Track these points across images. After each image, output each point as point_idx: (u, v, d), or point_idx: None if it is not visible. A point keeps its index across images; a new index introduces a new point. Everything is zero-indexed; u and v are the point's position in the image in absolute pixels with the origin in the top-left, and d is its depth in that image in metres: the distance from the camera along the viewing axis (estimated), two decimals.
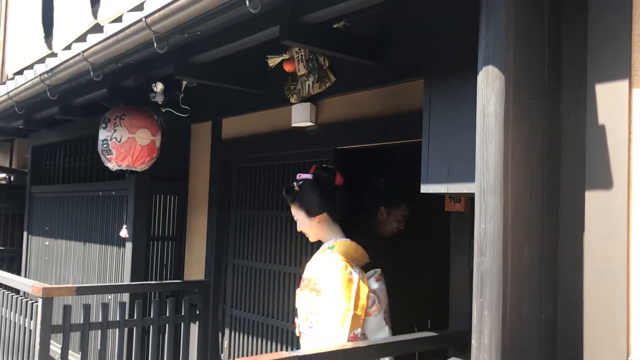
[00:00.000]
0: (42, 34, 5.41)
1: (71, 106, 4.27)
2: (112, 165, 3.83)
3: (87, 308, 3.41)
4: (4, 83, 4.59)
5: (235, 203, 4.12)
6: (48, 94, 3.59)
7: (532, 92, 1.67)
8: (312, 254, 3.49)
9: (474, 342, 1.60)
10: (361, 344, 2.19)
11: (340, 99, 3.23)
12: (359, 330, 2.27)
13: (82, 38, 4.21)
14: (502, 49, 1.58)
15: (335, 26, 2.83)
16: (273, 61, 3.39)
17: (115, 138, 3.68)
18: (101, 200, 4.77)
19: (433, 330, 2.61)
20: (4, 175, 7.79)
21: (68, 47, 3.77)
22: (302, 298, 2.43)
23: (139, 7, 2.87)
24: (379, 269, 2.51)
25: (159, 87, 3.71)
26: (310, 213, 2.49)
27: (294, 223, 3.61)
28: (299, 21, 2.48)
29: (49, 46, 5.21)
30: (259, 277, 3.86)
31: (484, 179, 1.59)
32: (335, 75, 3.12)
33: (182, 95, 3.97)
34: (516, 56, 1.61)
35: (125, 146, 3.68)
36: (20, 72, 4.24)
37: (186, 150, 4.53)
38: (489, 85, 1.59)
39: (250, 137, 3.96)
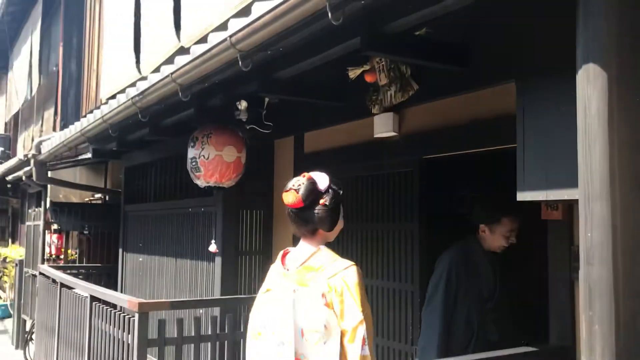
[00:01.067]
0: (134, 59, 5.67)
1: (160, 127, 4.43)
2: (201, 182, 3.95)
3: (180, 322, 3.50)
4: (98, 107, 4.84)
5: None
6: (139, 115, 3.75)
7: (638, 90, 1.56)
8: (399, 266, 3.43)
9: (583, 358, 1.49)
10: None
11: (424, 107, 3.17)
12: None
13: (169, 60, 4.38)
14: (603, 46, 1.48)
15: (416, 33, 2.78)
16: (354, 73, 3.37)
17: (203, 156, 3.79)
18: (191, 217, 4.91)
19: (531, 345, 2.49)
20: (99, 195, 8.22)
21: (157, 70, 3.92)
22: None
23: (222, 27, 2.94)
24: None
25: (243, 105, 3.80)
26: None
27: (380, 236, 3.60)
28: (380, 31, 2.45)
29: (139, 70, 5.46)
30: None
31: (589, 185, 1.49)
32: (418, 83, 3.06)
33: (265, 111, 4.03)
34: (619, 53, 1.50)
35: (212, 163, 3.79)
36: (114, 97, 4.45)
37: (270, 166, 4.59)
38: (590, 85, 1.50)
39: (332, 149, 3.97)
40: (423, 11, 2.23)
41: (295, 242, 4.18)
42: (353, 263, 2.17)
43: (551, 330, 2.50)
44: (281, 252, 2.34)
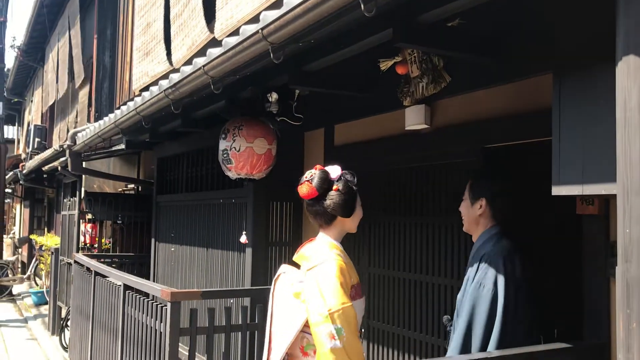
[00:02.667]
0: (164, 52, 5.72)
1: (192, 119, 4.48)
2: (232, 174, 3.97)
3: (211, 312, 3.55)
4: (132, 99, 4.90)
5: None
6: (172, 107, 3.79)
7: None
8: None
9: (620, 356, 1.46)
10: (493, 354, 2.09)
11: (456, 99, 3.13)
12: None
13: (200, 53, 4.41)
14: None
15: (450, 24, 2.74)
16: (385, 64, 3.35)
17: (235, 148, 3.82)
18: (222, 208, 4.95)
19: (565, 342, 2.44)
20: (132, 185, 8.36)
21: (188, 62, 3.95)
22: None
23: (255, 19, 2.95)
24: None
25: (273, 97, 3.81)
26: None
27: (410, 228, 3.58)
28: (413, 22, 2.42)
29: (171, 62, 5.51)
30: (375, 284, 3.83)
31: (628, 179, 1.45)
32: (450, 75, 3.03)
33: (295, 104, 4.04)
34: None
35: (243, 155, 3.81)
36: (146, 88, 4.50)
37: (300, 158, 4.60)
38: (630, 77, 1.46)
39: (362, 142, 3.95)
40: (457, 2, 2.20)
41: None
42: (334, 258, 2.22)
43: (586, 327, 2.45)
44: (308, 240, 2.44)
